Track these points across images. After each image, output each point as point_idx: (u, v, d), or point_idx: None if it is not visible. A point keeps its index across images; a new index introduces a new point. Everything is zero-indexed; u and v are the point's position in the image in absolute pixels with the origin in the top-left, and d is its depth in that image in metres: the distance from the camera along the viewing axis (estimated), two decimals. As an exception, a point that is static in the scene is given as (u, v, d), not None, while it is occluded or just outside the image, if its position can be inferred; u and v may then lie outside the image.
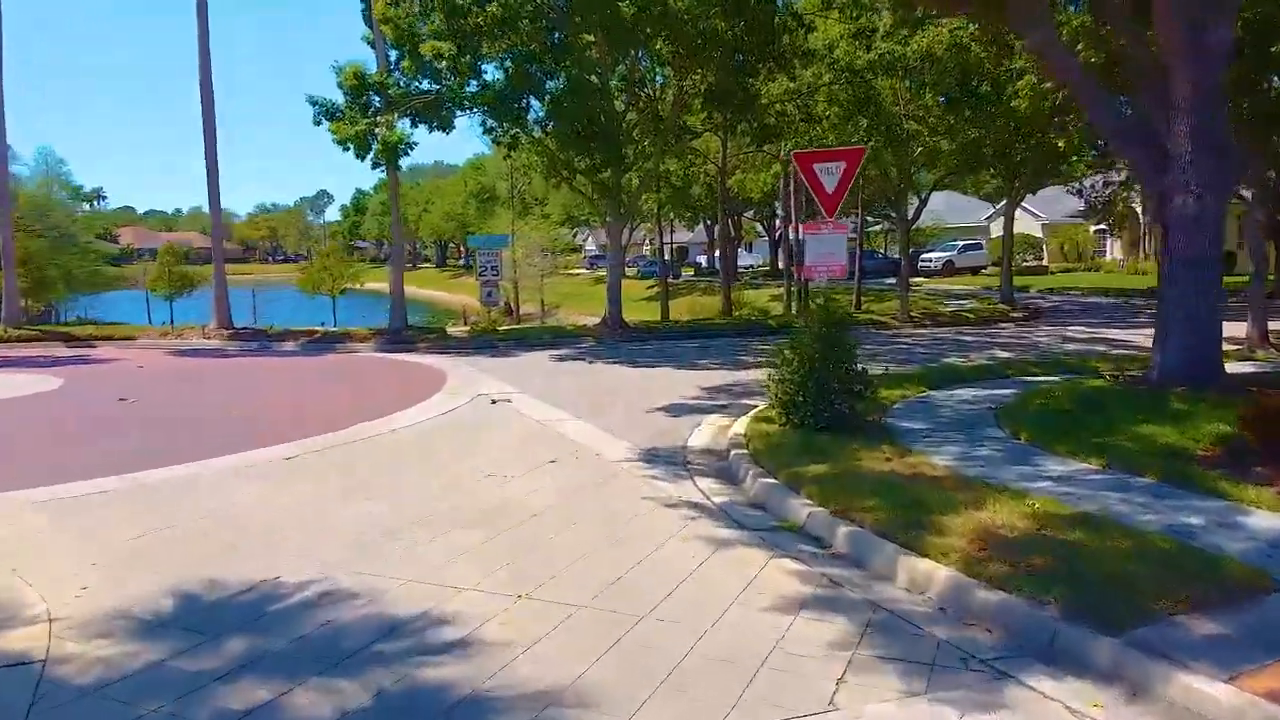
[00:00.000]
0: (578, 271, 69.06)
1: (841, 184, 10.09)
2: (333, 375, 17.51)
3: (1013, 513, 6.44)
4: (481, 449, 10.11)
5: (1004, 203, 65.93)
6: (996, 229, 65.65)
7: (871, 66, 21.69)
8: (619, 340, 22.29)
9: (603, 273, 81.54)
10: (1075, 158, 29.08)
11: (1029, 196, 68.68)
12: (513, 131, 21.45)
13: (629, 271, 78.71)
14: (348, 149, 19.89)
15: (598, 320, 24.99)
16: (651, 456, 9.67)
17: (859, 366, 10.07)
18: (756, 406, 11.58)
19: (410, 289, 73.28)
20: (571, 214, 57.47)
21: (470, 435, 11.01)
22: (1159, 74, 11.29)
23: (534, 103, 21.46)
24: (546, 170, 22.20)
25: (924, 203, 44.58)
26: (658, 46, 21.48)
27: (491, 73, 21.27)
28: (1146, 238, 55.49)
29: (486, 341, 21.47)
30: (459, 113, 21.18)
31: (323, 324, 25.44)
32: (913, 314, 26.72)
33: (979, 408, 11.44)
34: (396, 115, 20.23)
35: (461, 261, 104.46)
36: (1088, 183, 39.07)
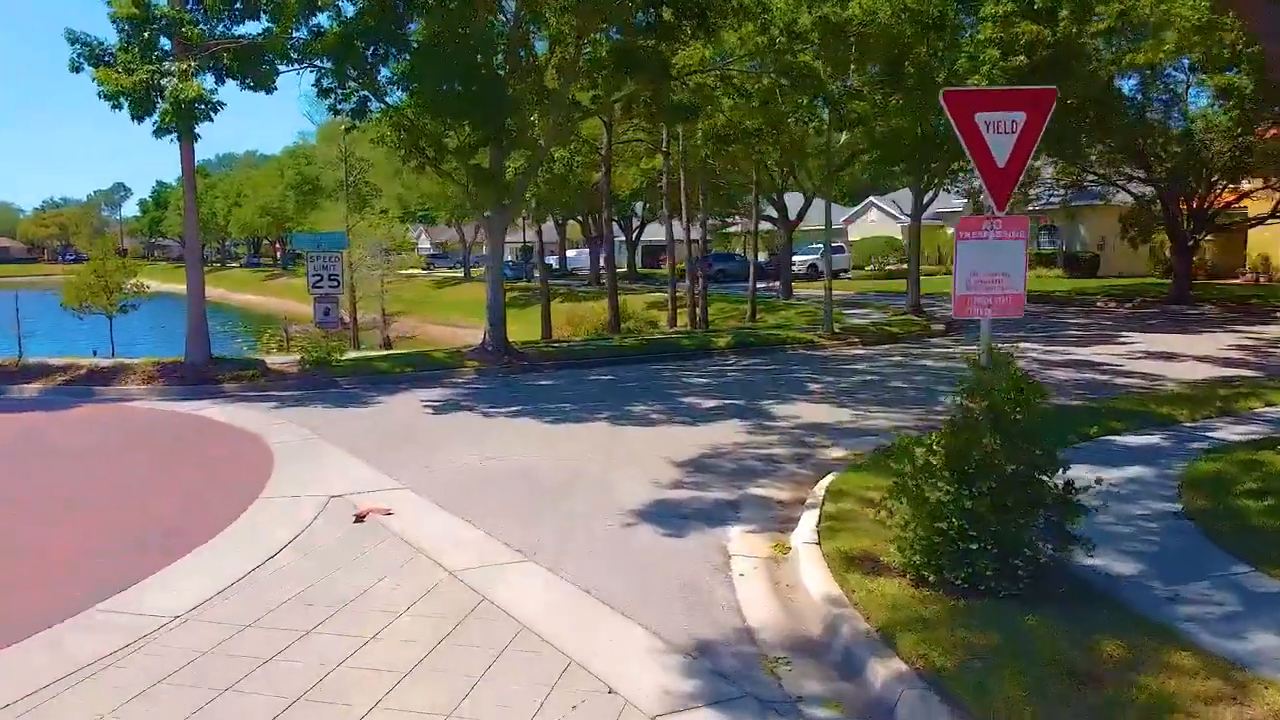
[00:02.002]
0: (414, 272, 62.56)
1: (1020, 150, 5.64)
2: (72, 456, 10.95)
3: None
4: (357, 691, 4.96)
5: (863, 204, 65.12)
6: (855, 231, 64.27)
7: (814, 30, 17.53)
8: (509, 372, 17.20)
9: (446, 274, 75.53)
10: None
11: (888, 198, 68.03)
12: (360, 94, 15.98)
13: (475, 273, 72.87)
14: (119, 106, 13.90)
15: (471, 344, 19.75)
16: (710, 678, 4.90)
17: (1065, 477, 5.63)
18: (777, 500, 7.23)
19: (218, 292, 64.49)
20: (411, 209, 51.15)
21: (324, 650, 5.44)
22: None
23: (389, 63, 16.07)
24: (405, 149, 16.83)
25: (809, 199, 41.66)
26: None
27: (329, 22, 15.75)
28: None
29: (324, 378, 15.86)
30: (284, 67, 15.55)
31: (95, 352, 18.90)
32: (835, 329, 22.93)
33: (1163, 509, 7.34)
34: (195, 64, 14.39)
35: (277, 261, 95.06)
36: (977, 183, 37.00)
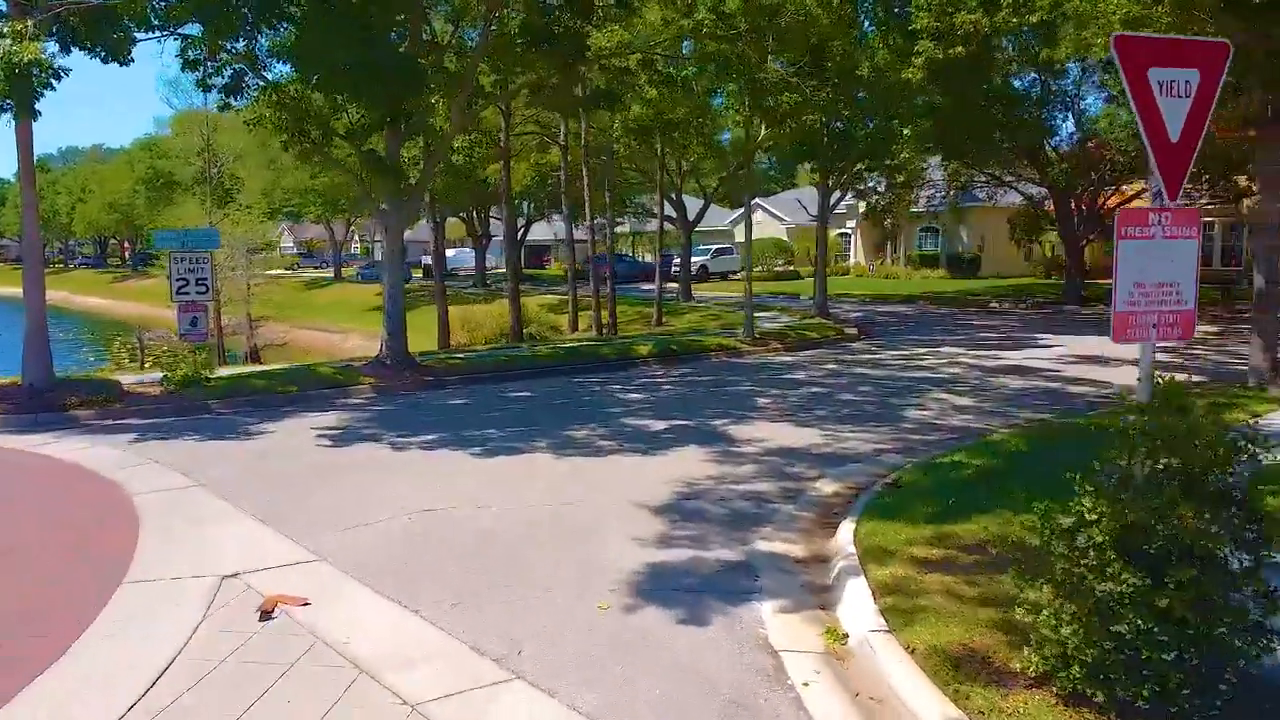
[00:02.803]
0: (280, 273, 58.45)
1: (1194, 120, 4.23)
2: None
3: None
4: None
5: (744, 208, 64.75)
6: (741, 233, 63.80)
7: (741, 15, 16.05)
8: (413, 389, 15.10)
9: (314, 275, 71.22)
10: (905, 149, 25.51)
11: (772, 199, 67.97)
12: (235, 67, 13.61)
13: (346, 273, 68.95)
14: (-73, 72, 11.17)
15: (358, 353, 17.46)
16: None
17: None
18: (794, 558, 5.84)
19: (60, 295, 58.80)
20: (277, 205, 47.52)
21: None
22: None
23: (270, 31, 13.74)
24: (287, 132, 14.46)
25: (709, 199, 40.57)
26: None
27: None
28: (891, 242, 55.55)
29: (195, 402, 13.40)
30: (143, 34, 13.05)
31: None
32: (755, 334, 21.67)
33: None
34: (34, 26, 11.77)
35: (126, 262, 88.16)
36: (874, 183, 36.78)
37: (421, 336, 23.38)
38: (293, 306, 43.78)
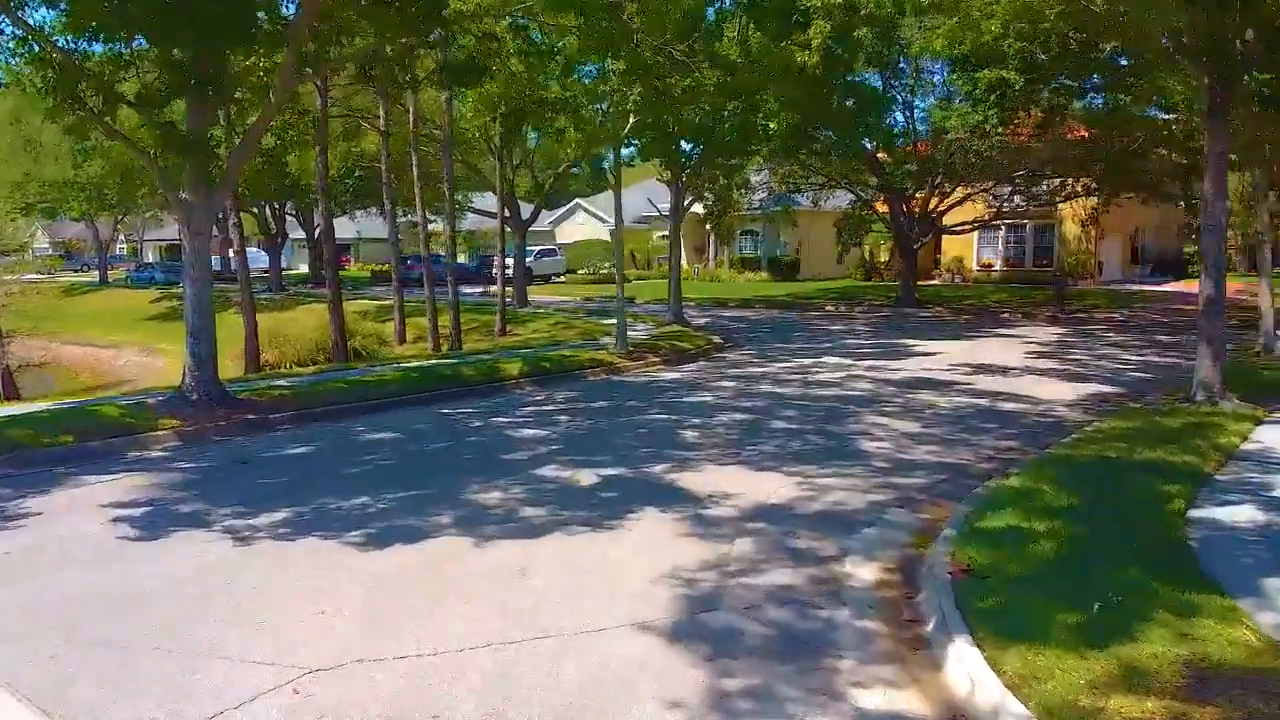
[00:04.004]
0: (35, 278, 50.34)
1: None
2: None
3: None
4: None
5: (570, 206, 62.42)
6: (563, 234, 61.29)
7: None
8: (231, 433, 11.60)
9: (73, 279, 62.19)
10: (767, 144, 23.92)
11: (593, 200, 65.83)
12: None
13: (113, 275, 60.59)
14: None
15: (154, 386, 13.61)
16: None
17: None
18: None
19: None
20: (33, 201, 40.53)
21: None
22: None
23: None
24: (56, 97, 10.52)
25: (544, 196, 37.80)
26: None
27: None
28: (711, 245, 54.79)
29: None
30: None
31: None
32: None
33: None
34: None
35: None
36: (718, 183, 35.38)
37: (221, 353, 19.15)
38: (52, 317, 37.24)
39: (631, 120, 18.34)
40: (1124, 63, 22.45)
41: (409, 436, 11.53)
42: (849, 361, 18.62)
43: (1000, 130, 26.42)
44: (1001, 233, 44.61)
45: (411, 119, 22.87)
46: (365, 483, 9.11)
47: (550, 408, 13.55)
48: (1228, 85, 12.44)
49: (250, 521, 7.86)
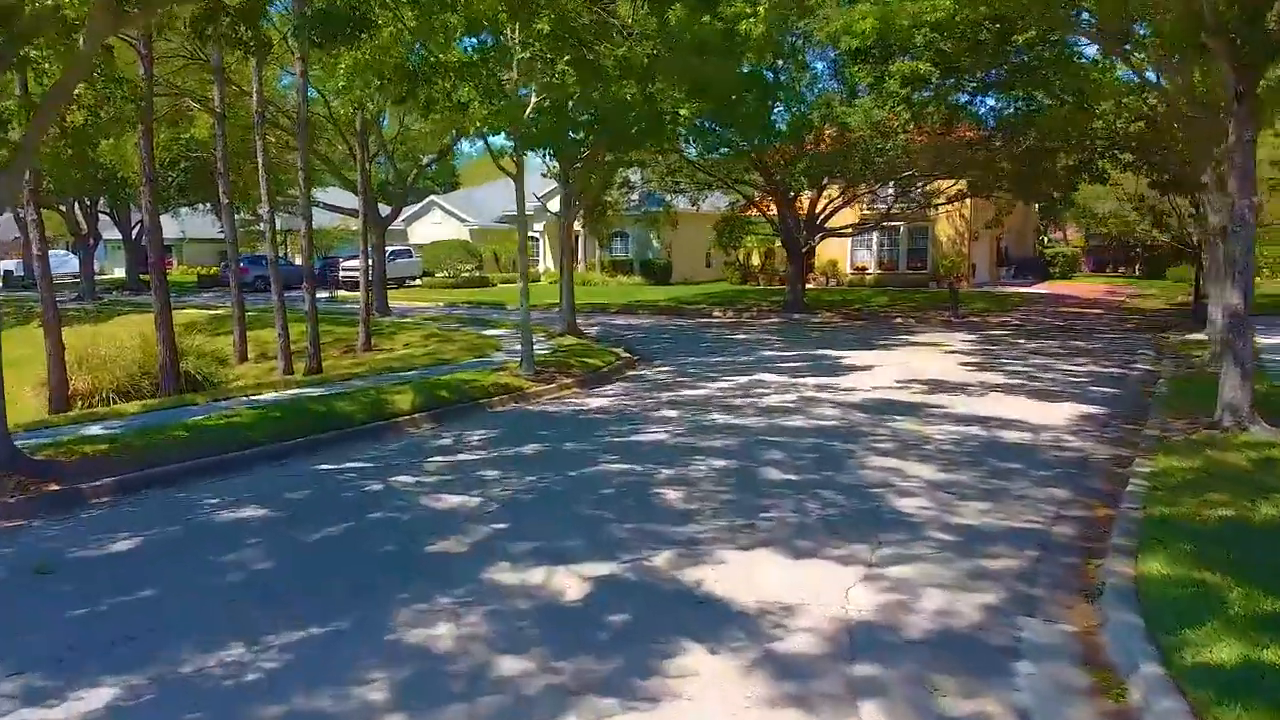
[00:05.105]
0: None
1: None
2: None
3: None
4: None
5: (425, 203, 58.13)
6: (417, 234, 56.81)
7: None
8: (26, 515, 7.98)
9: None
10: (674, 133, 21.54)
11: (451, 197, 61.72)
12: None
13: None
14: None
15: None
16: None
17: None
18: None
19: None
20: None
21: None
22: None
23: None
24: None
25: (409, 187, 34.02)
26: None
27: None
28: (582, 247, 52.09)
29: None
30: None
31: None
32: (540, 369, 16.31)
33: None
34: None
35: None
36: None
37: (15, 382, 14.77)
38: None
39: (534, 100, 15.43)
40: (1042, 54, 21.32)
41: (285, 514, 8.27)
42: (788, 380, 16.36)
43: (909, 128, 25.03)
44: (875, 236, 43.99)
45: (256, 92, 19.11)
46: (235, 612, 5.93)
47: (467, 457, 10.49)
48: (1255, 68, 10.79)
49: (46, 717, 4.61)
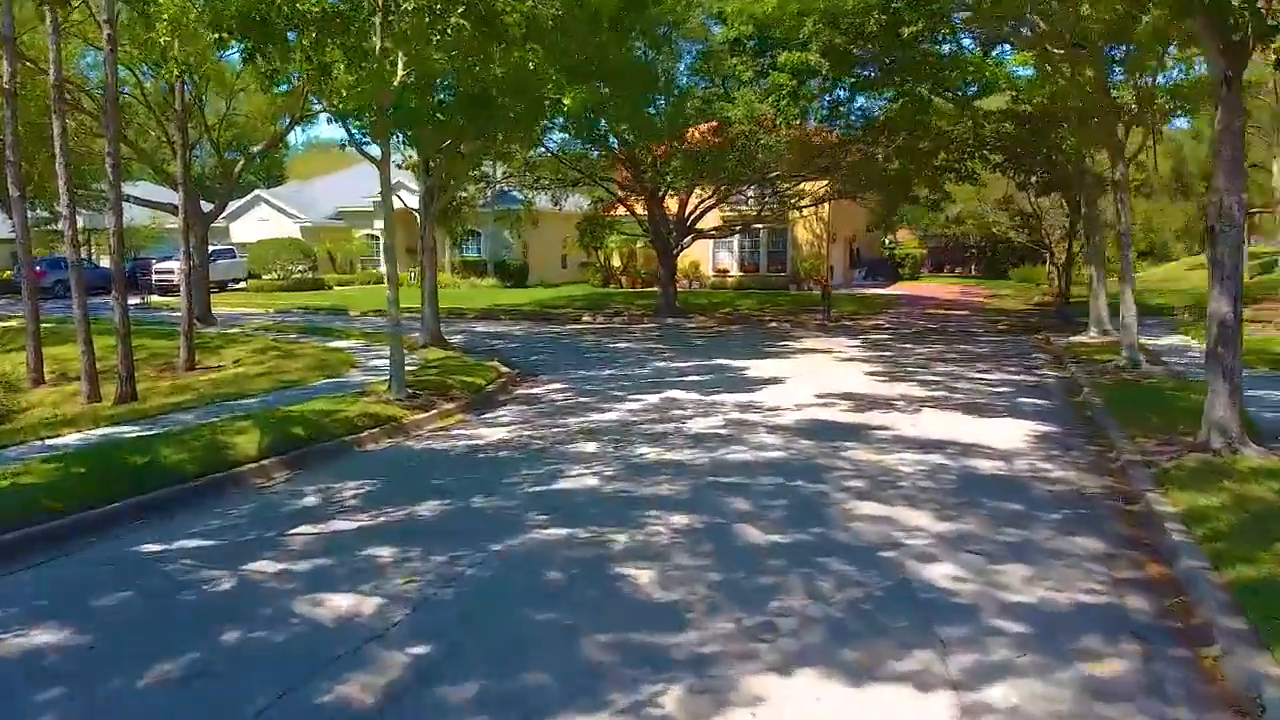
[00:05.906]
0: None
1: None
2: None
3: None
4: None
5: (250, 198, 53.07)
6: (239, 232, 51.68)
7: None
8: None
9: None
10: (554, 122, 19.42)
11: (278, 192, 56.74)
12: None
13: None
14: None
15: None
16: None
17: None
18: None
19: None
20: None
21: None
22: None
23: None
24: None
25: (236, 177, 30.14)
26: None
27: None
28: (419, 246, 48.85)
29: None
30: None
31: None
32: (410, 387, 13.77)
33: None
34: None
35: None
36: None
37: None
38: None
39: (401, 72, 12.89)
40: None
41: (90, 640, 5.61)
42: (703, 398, 14.54)
43: (792, 123, 23.79)
44: (737, 238, 43.09)
45: (54, 63, 15.57)
46: None
47: (345, 525, 7.98)
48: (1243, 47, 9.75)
49: None
